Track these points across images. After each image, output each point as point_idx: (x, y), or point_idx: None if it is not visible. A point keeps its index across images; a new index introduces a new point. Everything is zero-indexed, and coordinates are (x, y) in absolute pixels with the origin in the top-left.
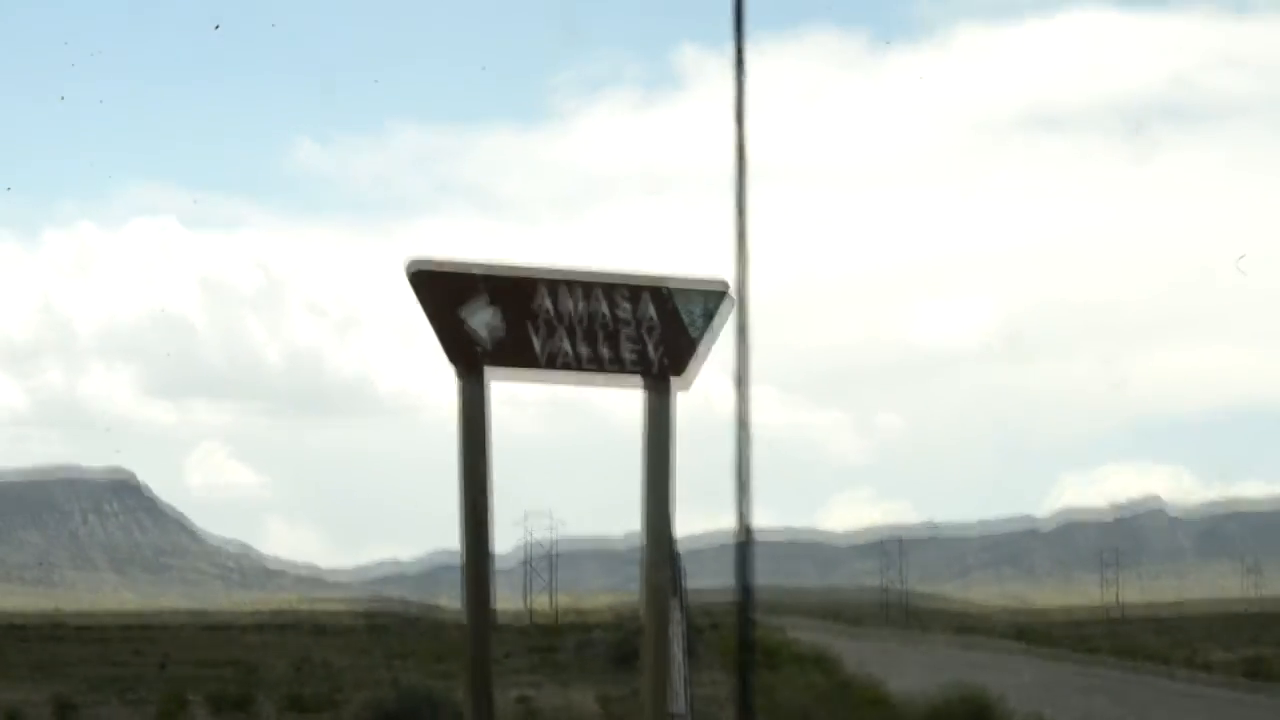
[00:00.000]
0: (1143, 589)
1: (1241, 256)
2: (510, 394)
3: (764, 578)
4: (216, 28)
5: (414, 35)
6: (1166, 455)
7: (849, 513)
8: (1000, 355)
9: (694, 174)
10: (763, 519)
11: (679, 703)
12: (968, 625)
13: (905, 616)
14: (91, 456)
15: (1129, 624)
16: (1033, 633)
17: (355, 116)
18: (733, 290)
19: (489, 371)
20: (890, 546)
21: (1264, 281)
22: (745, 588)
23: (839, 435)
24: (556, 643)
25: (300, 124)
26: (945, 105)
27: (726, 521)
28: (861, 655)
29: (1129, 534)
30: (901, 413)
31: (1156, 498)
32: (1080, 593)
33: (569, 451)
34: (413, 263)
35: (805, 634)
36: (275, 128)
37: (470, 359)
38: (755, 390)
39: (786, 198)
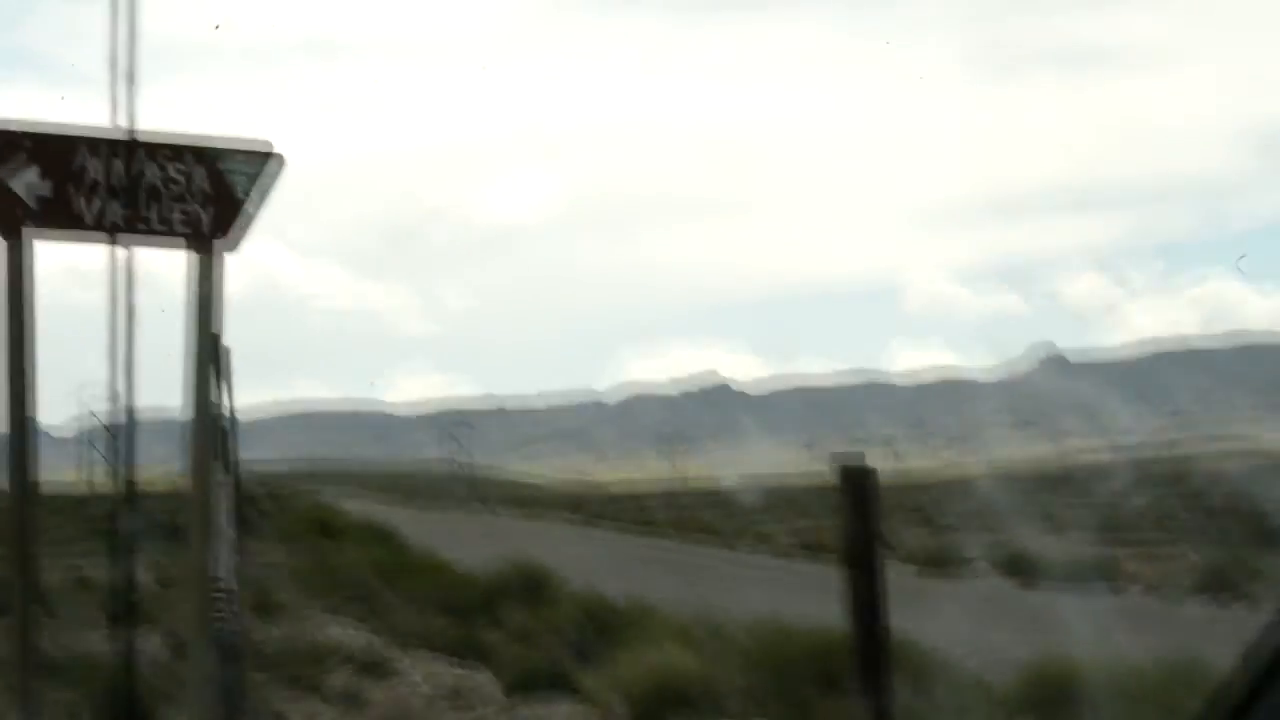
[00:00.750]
0: (704, 464)
1: (1242, 256)
2: (72, 263)
3: (325, 450)
4: (216, 28)
5: None
6: (728, 333)
7: (413, 386)
8: (566, 233)
9: (253, 45)
10: (324, 391)
11: (221, 569)
12: (531, 500)
13: (468, 491)
14: None
15: (690, 499)
16: (595, 508)
17: None
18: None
19: (33, 234)
20: (453, 421)
21: (820, 164)
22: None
23: (404, 309)
24: (115, 518)
25: None
26: None
27: (284, 393)
28: (423, 528)
29: (691, 411)
30: (467, 287)
31: (718, 375)
32: (643, 468)
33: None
34: None
35: (365, 507)
36: None
37: (12, 221)
38: (318, 263)
39: (354, 70)
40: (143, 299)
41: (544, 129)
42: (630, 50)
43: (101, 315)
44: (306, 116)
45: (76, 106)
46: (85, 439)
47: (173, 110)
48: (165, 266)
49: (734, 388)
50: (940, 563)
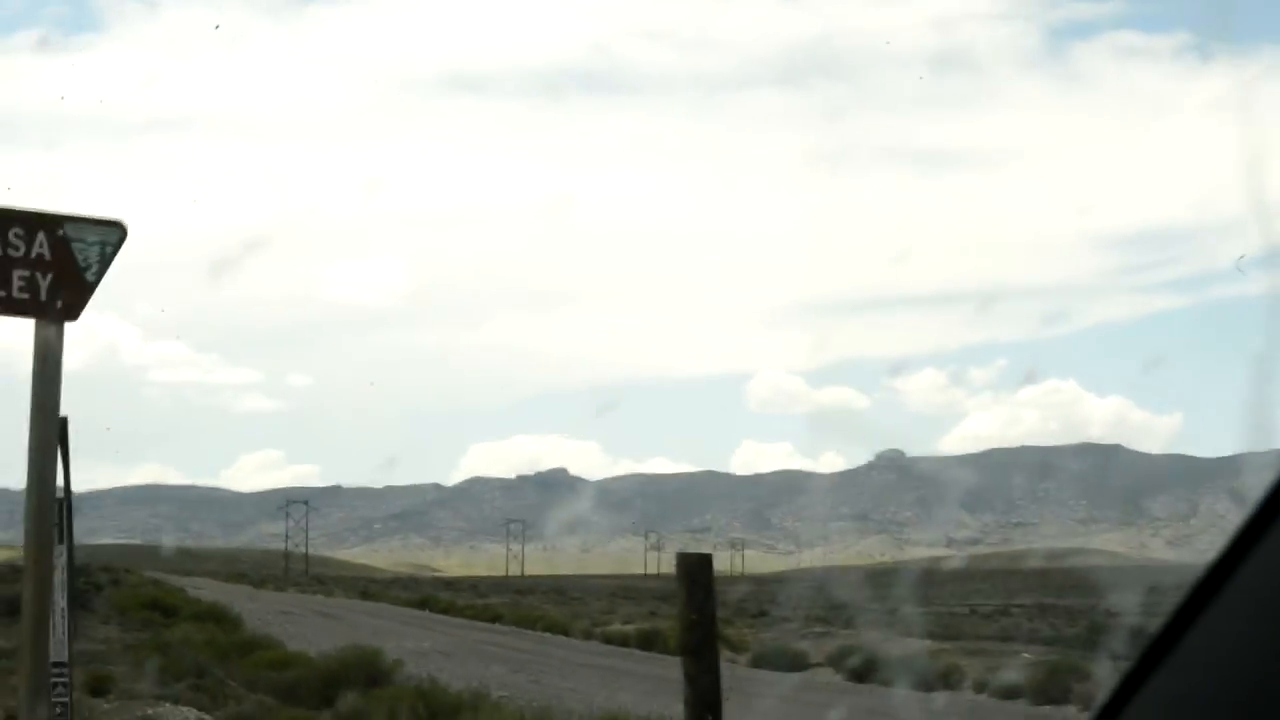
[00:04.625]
0: (548, 558)
1: (1241, 257)
2: None
3: (169, 534)
4: (217, 28)
5: None
6: (572, 424)
7: (258, 472)
8: (411, 318)
9: (95, 119)
10: (165, 469)
11: (61, 652)
12: (372, 589)
13: (306, 573)
14: None
15: (533, 592)
16: (437, 599)
17: None
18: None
19: None
20: (296, 508)
21: (667, 256)
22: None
23: (248, 389)
24: None
25: None
26: (366, 61)
27: (124, 470)
28: (259, 609)
29: (533, 499)
30: (313, 373)
31: (560, 464)
32: (486, 560)
33: None
34: None
35: (202, 585)
36: None
37: None
38: (165, 346)
39: (202, 147)
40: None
41: (392, 211)
42: (479, 135)
43: None
44: (151, 192)
45: None
46: None
47: (16, 183)
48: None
49: (576, 477)
50: (776, 658)
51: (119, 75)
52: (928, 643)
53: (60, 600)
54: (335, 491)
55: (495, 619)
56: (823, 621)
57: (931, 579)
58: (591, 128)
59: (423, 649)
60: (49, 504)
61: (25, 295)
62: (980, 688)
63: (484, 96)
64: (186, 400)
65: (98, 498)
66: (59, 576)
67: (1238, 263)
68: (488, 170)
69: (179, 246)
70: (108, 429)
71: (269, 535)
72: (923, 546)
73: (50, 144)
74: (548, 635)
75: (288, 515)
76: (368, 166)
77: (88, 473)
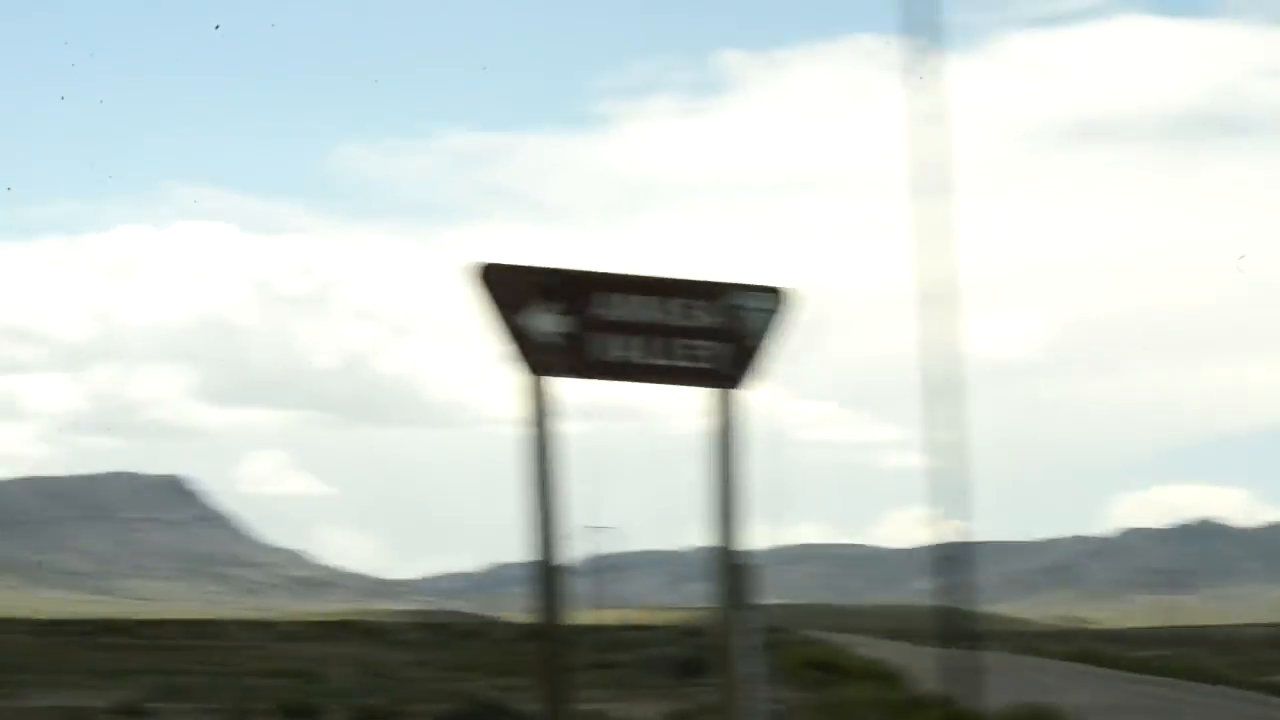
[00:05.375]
0: (1205, 609)
1: (1242, 256)
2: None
3: (819, 592)
4: (216, 28)
5: (454, 38)
6: (1224, 474)
7: (908, 529)
8: (1052, 368)
9: (739, 180)
10: (818, 534)
11: (757, 717)
12: (1027, 643)
13: (964, 633)
14: (145, 461)
15: (1192, 645)
16: (1093, 652)
17: (400, 121)
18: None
19: (553, 373)
20: (946, 563)
21: None
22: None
23: (895, 445)
24: (619, 655)
25: (344, 128)
26: (994, 114)
27: (785, 533)
28: (926, 670)
29: (1189, 553)
30: (957, 427)
31: (1216, 517)
32: (1140, 612)
33: (621, 460)
34: (478, 263)
35: (868, 650)
36: (320, 131)
37: (534, 362)
38: (816, 406)
39: (836, 206)
40: (645, 439)
41: (1028, 264)
42: (1109, 180)
43: (584, 449)
44: (792, 251)
45: (557, 243)
46: (589, 570)
47: (670, 245)
48: (668, 406)
49: (1227, 525)
50: None
51: (746, 136)
52: None
53: (751, 664)
54: (984, 546)
55: (1157, 672)
56: None
57: None
58: (1222, 171)
59: (1092, 704)
60: (733, 569)
61: (704, 365)
62: None
63: (1113, 143)
64: (836, 459)
65: (757, 559)
66: (750, 640)
67: (1238, 262)
68: (1120, 218)
69: (824, 306)
70: (763, 490)
71: (922, 591)
72: None
73: (688, 206)
74: (1212, 688)
75: (939, 570)
76: (998, 218)
77: (752, 534)
